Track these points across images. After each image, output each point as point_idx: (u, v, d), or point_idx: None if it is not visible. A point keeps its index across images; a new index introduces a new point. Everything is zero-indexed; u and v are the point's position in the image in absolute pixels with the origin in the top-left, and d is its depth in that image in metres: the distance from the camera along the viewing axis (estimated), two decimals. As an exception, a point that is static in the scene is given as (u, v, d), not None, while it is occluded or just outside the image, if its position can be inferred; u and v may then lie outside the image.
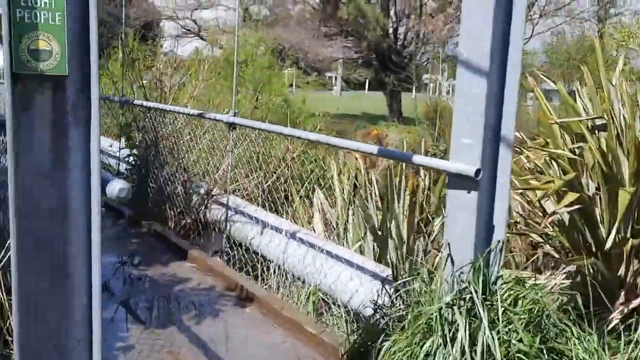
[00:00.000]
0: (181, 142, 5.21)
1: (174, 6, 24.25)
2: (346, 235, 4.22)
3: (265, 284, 3.81)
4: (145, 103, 5.30)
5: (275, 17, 22.89)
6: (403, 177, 3.77)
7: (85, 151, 1.44)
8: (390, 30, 22.92)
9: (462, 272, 2.16)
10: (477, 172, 2.10)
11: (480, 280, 2.07)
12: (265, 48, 13.96)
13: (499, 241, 2.21)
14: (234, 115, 3.93)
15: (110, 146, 6.82)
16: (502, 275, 2.16)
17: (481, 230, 2.22)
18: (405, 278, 2.53)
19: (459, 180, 2.20)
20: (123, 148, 5.85)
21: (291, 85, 21.03)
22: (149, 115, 5.33)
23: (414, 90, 22.79)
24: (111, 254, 4.35)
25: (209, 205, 5.26)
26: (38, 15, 1.30)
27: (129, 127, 5.71)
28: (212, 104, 6.19)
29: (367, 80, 34.30)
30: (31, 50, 1.29)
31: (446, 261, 2.22)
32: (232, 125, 3.98)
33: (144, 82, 5.96)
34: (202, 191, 5.33)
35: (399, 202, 3.73)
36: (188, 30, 24.73)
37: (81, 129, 1.43)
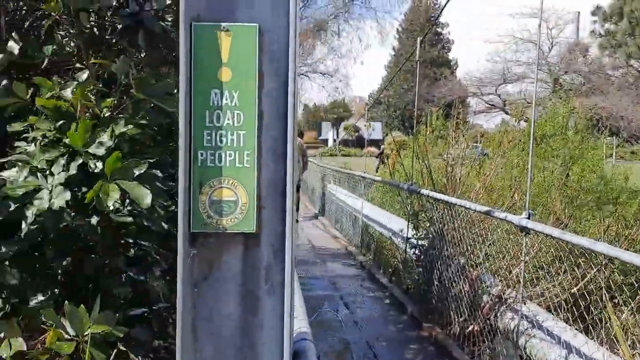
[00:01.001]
0: (469, 235, 4.67)
1: (479, 83, 24.32)
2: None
3: None
4: (431, 194, 4.98)
5: (592, 85, 20.66)
6: None
7: (279, 329, 1.07)
8: None
9: None
10: None
11: None
12: (577, 118, 12.46)
13: None
14: (528, 217, 3.23)
15: (401, 231, 6.68)
16: None
17: None
18: None
19: None
20: (410, 238, 5.61)
21: (610, 156, 18.32)
22: (435, 205, 4.98)
23: None
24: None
25: (500, 310, 4.53)
26: (223, 157, 1.01)
27: (416, 216, 5.47)
28: (506, 191, 5.50)
29: None
30: (213, 202, 1.01)
31: None
32: (525, 230, 3.27)
33: (431, 168, 5.68)
34: (493, 291, 4.65)
35: None
36: (492, 105, 24.36)
37: (276, 298, 1.07)
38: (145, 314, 2.56)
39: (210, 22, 1.18)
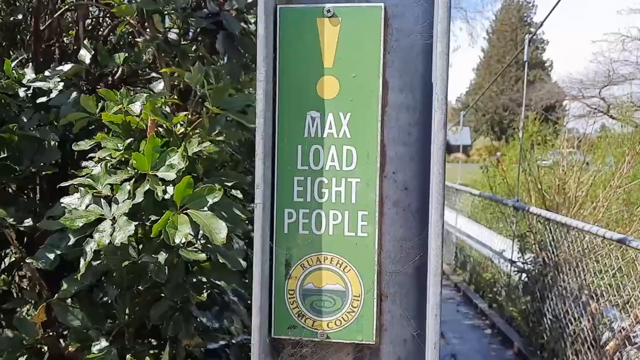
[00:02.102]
0: (592, 264, 4.01)
1: (580, 85, 22.52)
2: None
3: None
4: (543, 213, 4.35)
5: None
6: None
7: None
8: None
9: None
10: None
11: None
12: None
13: None
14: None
15: (503, 252, 6.04)
16: None
17: None
18: None
19: None
20: (515, 261, 5.00)
21: None
22: (547, 226, 4.35)
23: None
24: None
25: (625, 350, 3.86)
26: (324, 220, 0.64)
27: (522, 238, 4.85)
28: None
29: None
30: (307, 292, 0.63)
31: None
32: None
33: (541, 181, 5.01)
34: (615, 326, 3.98)
35: None
36: (595, 108, 22.48)
37: None
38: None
39: (306, 4, 0.80)
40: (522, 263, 4.83)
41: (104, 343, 1.74)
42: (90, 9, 2.68)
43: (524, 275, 4.86)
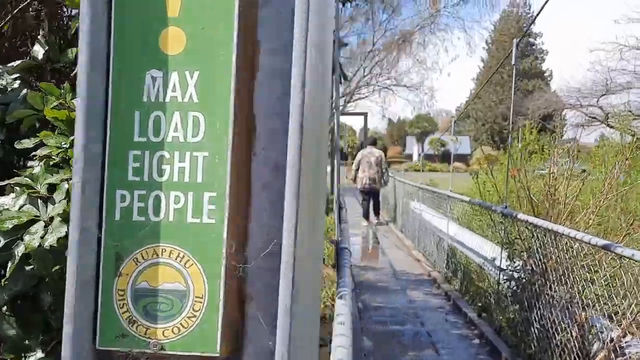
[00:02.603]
0: (580, 272, 3.89)
1: (578, 94, 22.48)
2: None
3: None
4: (530, 219, 4.24)
5: None
6: None
7: None
8: None
9: None
10: None
11: None
12: None
13: None
14: (666, 258, 2.49)
15: (494, 259, 5.92)
16: None
17: None
18: None
19: None
20: (504, 269, 4.88)
21: None
22: (535, 233, 4.24)
23: None
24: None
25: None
26: (163, 203, 0.53)
27: (511, 245, 4.74)
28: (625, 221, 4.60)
29: None
30: (140, 293, 0.52)
31: None
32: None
33: (529, 188, 4.90)
34: (605, 336, 3.85)
35: None
36: (593, 118, 22.42)
37: None
38: None
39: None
40: (511, 271, 4.72)
41: (39, 354, 1.63)
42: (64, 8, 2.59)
43: (512, 283, 4.74)
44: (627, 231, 4.25)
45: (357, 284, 7.00)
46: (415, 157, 49.21)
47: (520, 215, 4.47)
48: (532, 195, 4.74)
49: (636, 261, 2.79)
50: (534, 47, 58.44)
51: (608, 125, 20.52)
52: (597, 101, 22.13)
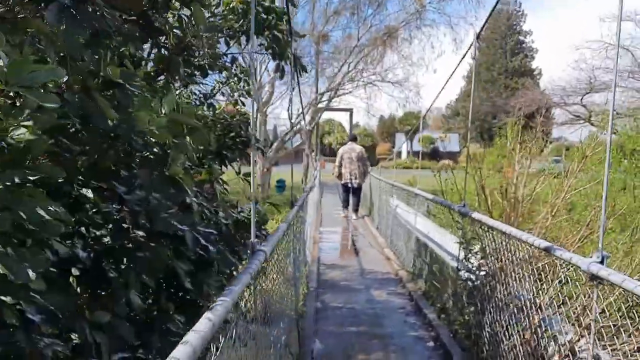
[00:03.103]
0: (532, 274, 3.74)
1: (563, 92, 22.43)
2: None
3: None
4: (483, 219, 4.08)
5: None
6: None
7: None
8: None
9: None
10: None
11: None
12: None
13: None
14: (601, 262, 2.34)
15: (454, 259, 5.77)
16: None
17: None
18: None
19: None
20: (461, 270, 4.72)
21: None
22: (488, 234, 4.08)
23: None
24: None
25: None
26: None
27: (468, 244, 4.58)
28: (580, 221, 4.45)
29: None
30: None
31: None
32: (596, 279, 2.37)
33: (485, 186, 4.74)
34: (562, 338, 3.71)
35: None
36: (577, 116, 22.39)
37: None
38: None
39: None
40: (466, 271, 4.56)
41: None
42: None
43: (468, 283, 4.59)
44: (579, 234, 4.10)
45: (320, 282, 6.83)
46: (404, 155, 49.02)
47: (475, 215, 4.31)
48: (486, 194, 4.58)
49: (573, 265, 2.62)
50: (523, 45, 58.45)
51: (591, 123, 20.50)
52: (581, 99, 22.10)
